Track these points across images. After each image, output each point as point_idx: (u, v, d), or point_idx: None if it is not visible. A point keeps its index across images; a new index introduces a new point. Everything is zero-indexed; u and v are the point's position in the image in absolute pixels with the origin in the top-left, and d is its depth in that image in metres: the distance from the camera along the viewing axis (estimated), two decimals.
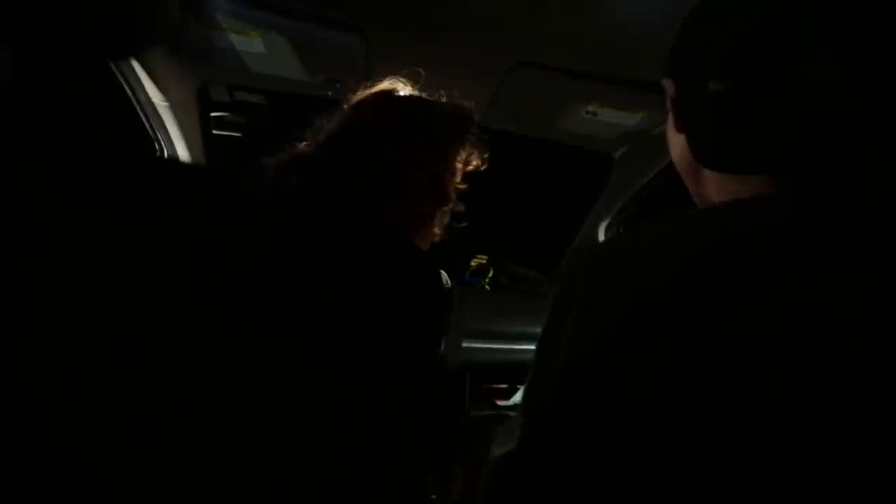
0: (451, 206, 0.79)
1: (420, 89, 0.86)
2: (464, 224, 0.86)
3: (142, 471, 0.39)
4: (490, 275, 1.58)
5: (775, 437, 0.27)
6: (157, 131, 1.16)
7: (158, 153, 1.20)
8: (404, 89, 0.80)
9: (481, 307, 1.45)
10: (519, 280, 1.61)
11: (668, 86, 0.48)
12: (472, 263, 1.67)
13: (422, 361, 0.60)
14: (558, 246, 1.66)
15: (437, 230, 0.80)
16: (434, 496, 0.73)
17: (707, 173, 0.45)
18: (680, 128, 0.47)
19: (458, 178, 0.80)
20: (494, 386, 1.43)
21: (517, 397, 1.30)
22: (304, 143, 0.75)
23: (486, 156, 0.83)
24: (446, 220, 0.82)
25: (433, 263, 0.61)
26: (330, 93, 1.08)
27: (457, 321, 1.37)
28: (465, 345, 1.37)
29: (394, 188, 0.70)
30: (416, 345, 0.59)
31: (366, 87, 0.80)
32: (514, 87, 1.04)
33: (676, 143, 0.49)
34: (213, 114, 1.24)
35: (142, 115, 1.12)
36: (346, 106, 0.76)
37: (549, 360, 0.40)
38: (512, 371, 1.41)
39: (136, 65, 0.96)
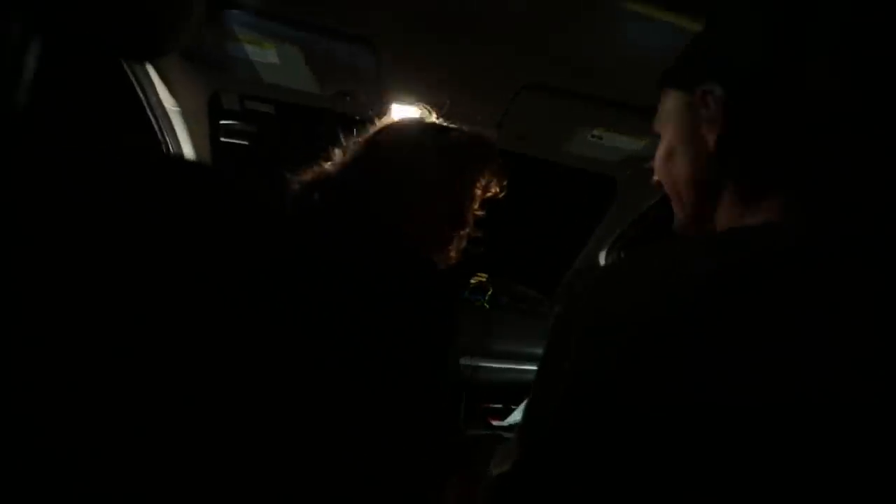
0: (468, 230, 0.81)
1: (429, 107, 0.88)
2: (481, 249, 0.88)
3: (147, 472, 0.39)
4: (489, 293, 1.57)
5: (779, 446, 0.27)
6: (166, 136, 1.18)
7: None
8: (430, 117, 0.83)
9: (480, 325, 1.44)
10: (518, 299, 1.60)
11: (709, 94, 0.42)
12: (472, 281, 1.67)
13: (430, 371, 0.60)
14: (559, 267, 1.66)
15: (453, 253, 0.82)
16: None
17: (726, 194, 0.44)
18: (713, 140, 0.43)
19: (477, 204, 0.83)
20: (490, 406, 1.42)
21: (513, 417, 1.28)
22: (329, 162, 0.78)
23: (504, 183, 0.85)
24: (463, 244, 0.84)
25: (445, 277, 0.62)
26: (356, 117, 1.10)
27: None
28: (462, 363, 1.36)
29: (414, 210, 0.72)
30: (425, 355, 0.59)
31: (388, 113, 0.83)
32: (522, 108, 1.05)
33: (688, 161, 0.47)
34: (223, 122, 1.27)
35: (153, 120, 1.13)
36: (371, 129, 0.79)
37: (551, 382, 0.40)
38: (508, 391, 1.39)
39: (150, 70, 0.98)
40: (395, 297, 0.61)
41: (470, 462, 0.76)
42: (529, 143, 1.19)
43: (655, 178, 0.54)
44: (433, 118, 0.85)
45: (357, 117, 1.11)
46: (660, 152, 0.52)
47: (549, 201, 1.74)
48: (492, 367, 1.39)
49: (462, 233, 0.81)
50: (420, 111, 0.91)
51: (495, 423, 1.36)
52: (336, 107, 1.12)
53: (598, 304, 0.39)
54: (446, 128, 0.81)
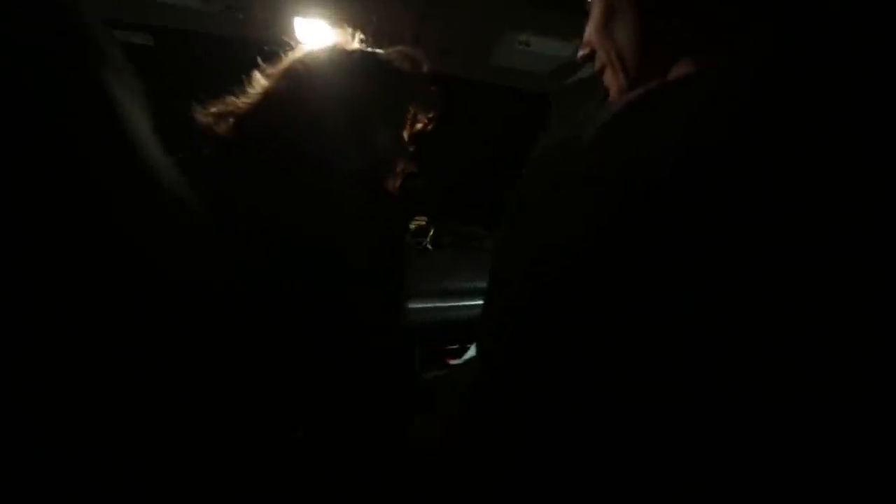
0: (404, 163, 0.76)
1: (342, 24, 0.77)
2: (418, 183, 0.82)
3: (146, 467, 0.39)
4: (431, 234, 1.51)
5: (775, 436, 0.27)
6: None
7: None
8: (349, 41, 0.75)
9: (425, 267, 1.38)
10: (461, 237, 1.55)
11: None
12: (412, 226, 1.60)
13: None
14: (497, 198, 1.61)
15: (391, 189, 0.76)
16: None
17: (675, 47, 0.41)
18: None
19: (408, 136, 0.77)
20: (446, 347, 1.38)
21: (470, 354, 1.25)
22: (242, 98, 0.67)
23: (431, 114, 0.79)
24: (398, 182, 0.77)
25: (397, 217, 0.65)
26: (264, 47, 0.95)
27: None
28: (410, 306, 1.29)
29: (348, 146, 0.66)
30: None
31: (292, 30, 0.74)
32: (440, 17, 0.95)
33: (634, 16, 0.43)
34: None
35: None
36: (288, 60, 0.70)
37: (511, 259, 0.40)
38: (462, 329, 1.35)
39: None
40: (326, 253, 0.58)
41: (434, 404, 0.73)
42: (452, 58, 1.10)
43: (586, 52, 0.50)
44: (353, 42, 0.76)
45: (265, 47, 0.96)
46: (595, 16, 0.48)
47: (479, 133, 1.67)
48: (442, 307, 1.34)
49: (401, 166, 0.76)
50: (331, 28, 0.80)
51: (453, 362, 1.33)
52: (227, 28, 0.95)
53: (554, 178, 0.38)
54: (371, 52, 0.73)
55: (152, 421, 0.39)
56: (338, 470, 0.57)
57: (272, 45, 0.72)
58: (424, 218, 1.62)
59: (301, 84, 0.67)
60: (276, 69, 0.69)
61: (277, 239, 0.56)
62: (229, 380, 0.50)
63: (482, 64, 1.11)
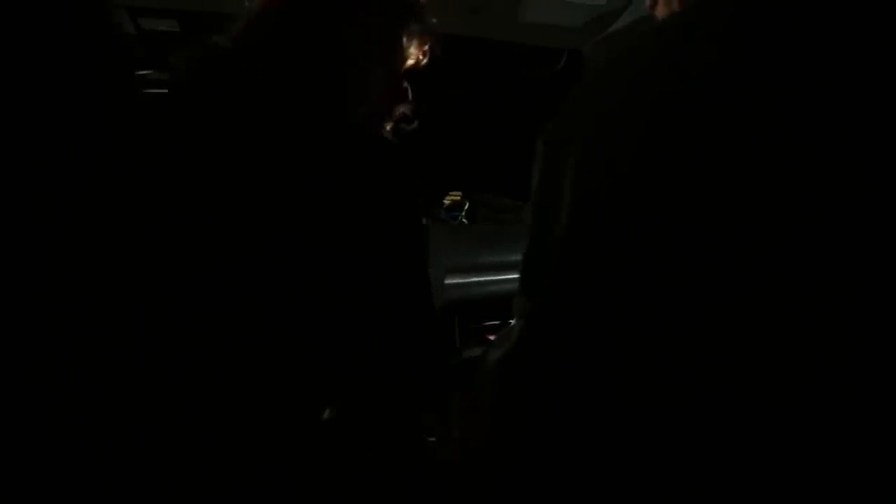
0: (399, 105, 0.70)
1: None
2: (414, 125, 0.75)
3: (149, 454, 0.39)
4: (465, 208, 1.48)
5: (774, 437, 0.27)
6: None
7: None
8: None
9: (461, 241, 1.35)
10: (496, 210, 1.52)
11: None
12: (446, 201, 1.57)
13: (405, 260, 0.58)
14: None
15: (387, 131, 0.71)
16: (433, 438, 0.69)
17: None
18: None
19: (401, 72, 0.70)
20: (486, 323, 1.35)
21: None
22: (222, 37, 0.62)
23: (426, 47, 0.71)
24: (391, 125, 0.72)
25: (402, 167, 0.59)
26: None
27: (435, 259, 1.27)
28: (448, 282, 1.27)
29: (344, 90, 0.61)
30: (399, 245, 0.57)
31: None
32: None
33: None
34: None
35: None
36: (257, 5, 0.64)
37: (551, 208, 0.39)
38: (503, 304, 1.32)
39: None
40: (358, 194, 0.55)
41: (470, 382, 0.71)
42: (479, 18, 1.04)
43: None
44: None
45: None
46: None
47: (513, 104, 1.61)
48: (480, 282, 1.31)
49: (397, 108, 0.70)
50: None
51: (493, 338, 1.30)
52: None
53: (596, 110, 0.38)
54: None
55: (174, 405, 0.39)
56: (365, 452, 0.54)
57: None
58: (458, 194, 1.59)
59: (280, 28, 0.61)
60: (250, 16, 0.62)
61: (288, 198, 0.53)
62: (253, 362, 0.49)
63: (512, 22, 1.05)
